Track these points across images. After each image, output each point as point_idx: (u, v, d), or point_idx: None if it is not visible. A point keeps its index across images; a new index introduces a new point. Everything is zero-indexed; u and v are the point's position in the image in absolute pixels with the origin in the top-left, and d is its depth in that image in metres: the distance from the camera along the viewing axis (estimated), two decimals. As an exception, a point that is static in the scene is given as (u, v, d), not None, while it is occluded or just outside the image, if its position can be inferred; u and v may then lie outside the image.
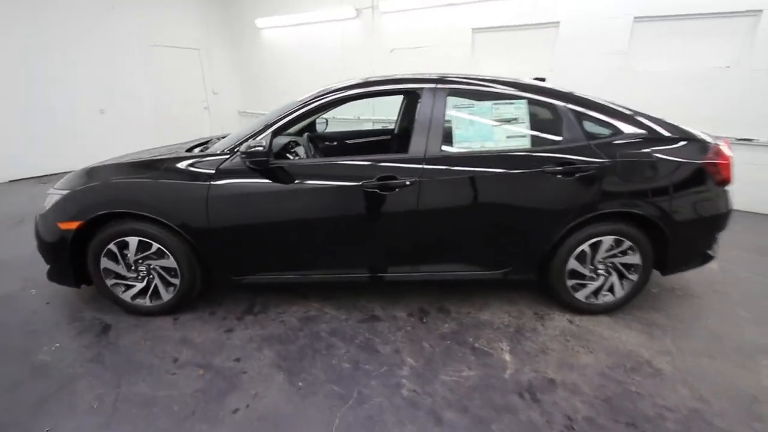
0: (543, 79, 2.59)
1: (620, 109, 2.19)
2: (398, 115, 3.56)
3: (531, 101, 2.12)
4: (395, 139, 3.48)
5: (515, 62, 5.37)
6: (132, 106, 6.75)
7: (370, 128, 4.37)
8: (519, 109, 2.09)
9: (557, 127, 2.11)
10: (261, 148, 1.88)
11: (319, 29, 6.83)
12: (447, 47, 5.71)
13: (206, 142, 2.65)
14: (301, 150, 2.64)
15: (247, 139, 2.07)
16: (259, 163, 1.96)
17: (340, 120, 5.96)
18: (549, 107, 2.13)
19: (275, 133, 2.09)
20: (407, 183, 2.01)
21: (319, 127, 3.55)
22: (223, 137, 2.50)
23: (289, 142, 2.63)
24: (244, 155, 1.93)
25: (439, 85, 2.11)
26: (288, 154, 2.56)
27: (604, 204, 2.07)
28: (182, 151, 2.33)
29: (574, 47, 4.89)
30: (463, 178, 2.03)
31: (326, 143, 3.55)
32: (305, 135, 2.45)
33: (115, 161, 2.35)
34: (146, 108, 6.95)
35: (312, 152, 2.65)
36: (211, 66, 7.83)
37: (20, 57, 5.45)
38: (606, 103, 2.19)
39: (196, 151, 2.39)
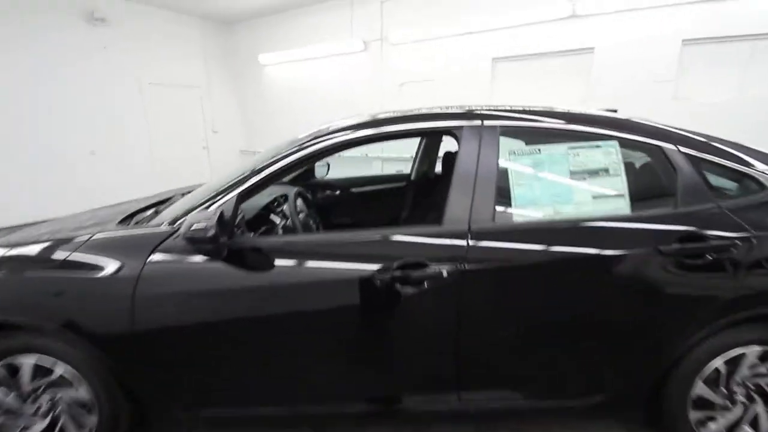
0: (614, 111, 1.90)
1: (756, 152, 1.47)
2: (415, 157, 2.90)
3: (624, 143, 1.41)
4: (412, 189, 2.80)
5: (542, 94, 4.77)
6: (126, 146, 6.28)
7: (380, 174, 3.65)
8: (609, 155, 1.39)
9: (668, 181, 1.39)
10: (209, 231, 1.17)
11: (325, 64, 6.41)
12: (464, 79, 5.17)
13: (165, 201, 1.99)
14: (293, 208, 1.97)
15: (192, 210, 1.38)
16: (209, 251, 1.25)
17: (344, 158, 5.38)
18: (652, 151, 1.42)
19: (243, 197, 1.40)
20: (443, 273, 1.28)
21: (319, 171, 2.90)
22: (188, 193, 1.84)
23: (274, 200, 1.96)
24: (185, 239, 1.23)
25: (487, 122, 1.43)
26: (274, 215, 1.88)
27: (751, 301, 1.32)
28: (114, 222, 1.64)
29: (612, 75, 4.28)
30: (530, 265, 1.31)
31: (327, 193, 2.88)
32: (294, 191, 1.76)
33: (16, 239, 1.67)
34: (141, 148, 6.48)
35: (304, 212, 1.96)
36: (211, 104, 7.43)
37: (6, 98, 5.04)
38: (733, 146, 1.48)
39: (149, 213, 1.72)
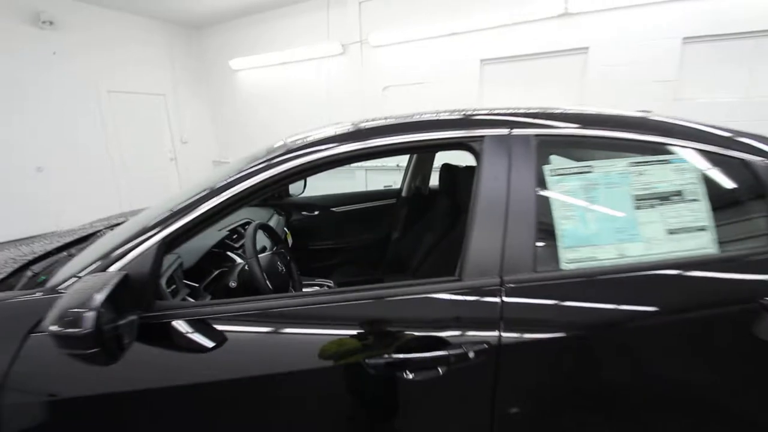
0: (648, 112, 1.55)
1: None
2: (406, 169, 2.50)
3: (699, 155, 1.04)
4: (404, 208, 2.40)
5: (534, 96, 4.47)
6: (81, 161, 5.67)
7: (365, 190, 3.17)
8: (683, 173, 1.01)
9: (755, 205, 1.03)
10: (85, 324, 0.68)
11: (301, 69, 5.98)
12: (450, 82, 4.83)
13: (86, 237, 1.51)
14: (262, 241, 1.52)
15: (85, 269, 0.92)
16: (86, 357, 0.78)
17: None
18: (731, 166, 1.06)
19: (173, 243, 0.96)
20: (468, 353, 0.87)
21: (295, 188, 2.47)
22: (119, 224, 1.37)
23: (232, 232, 1.51)
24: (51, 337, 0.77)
25: (518, 130, 1.03)
26: (231, 254, 1.43)
27: None
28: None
29: (608, 76, 4.01)
30: (589, 333, 0.91)
31: (303, 215, 2.45)
32: (254, 224, 1.31)
33: None
34: (99, 163, 5.87)
35: (270, 249, 1.51)
36: (178, 112, 6.87)
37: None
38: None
39: (61, 256, 1.26)
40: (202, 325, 0.91)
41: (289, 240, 2.26)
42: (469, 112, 1.10)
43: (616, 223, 0.98)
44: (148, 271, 0.88)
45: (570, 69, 4.25)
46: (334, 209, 2.46)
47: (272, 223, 2.14)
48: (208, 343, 0.89)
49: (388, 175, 4.89)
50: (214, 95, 7.17)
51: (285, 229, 2.24)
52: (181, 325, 0.90)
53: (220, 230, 1.53)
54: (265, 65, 6.30)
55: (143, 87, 6.34)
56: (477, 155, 1.02)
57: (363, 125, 1.10)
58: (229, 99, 7.01)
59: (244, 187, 0.98)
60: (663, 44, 3.76)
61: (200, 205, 0.96)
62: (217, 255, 1.43)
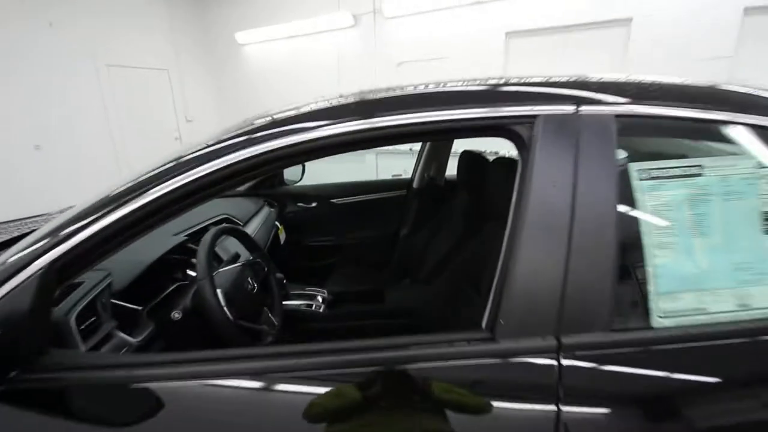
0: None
1: None
2: (420, 154, 2.16)
3: None
4: (415, 201, 2.06)
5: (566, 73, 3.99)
6: (81, 139, 5.44)
7: (371, 180, 2.76)
8: None
9: None
10: None
11: (310, 42, 5.58)
12: (472, 58, 4.37)
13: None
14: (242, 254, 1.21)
15: None
16: None
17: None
18: None
19: (67, 270, 0.65)
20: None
21: (290, 174, 2.15)
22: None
23: (194, 235, 1.21)
24: None
25: (588, 108, 0.67)
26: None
27: None
28: None
29: (653, 52, 3.52)
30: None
31: (299, 206, 2.14)
32: (211, 232, 0.97)
33: None
34: (100, 141, 5.65)
35: (242, 261, 1.19)
36: (182, 89, 6.57)
37: None
38: None
39: None
40: (109, 391, 0.62)
41: (282, 236, 1.96)
42: (512, 81, 0.74)
43: (740, 255, 0.63)
44: (26, 309, 0.59)
45: (609, 43, 3.76)
46: (334, 201, 2.14)
47: (261, 216, 1.84)
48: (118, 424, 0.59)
49: (401, 160, 4.52)
50: (219, 71, 6.83)
51: (277, 223, 1.94)
52: (76, 392, 0.61)
53: (187, 229, 1.24)
54: (271, 39, 5.92)
55: (145, 61, 6.03)
56: (523, 144, 0.68)
57: (364, 96, 0.76)
58: (235, 75, 6.67)
59: (177, 185, 0.66)
60: (719, 15, 3.24)
61: (111, 211, 0.65)
62: (179, 263, 1.13)
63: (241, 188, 1.95)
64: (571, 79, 0.73)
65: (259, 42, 6.11)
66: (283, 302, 1.43)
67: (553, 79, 0.73)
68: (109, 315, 0.84)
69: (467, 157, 1.67)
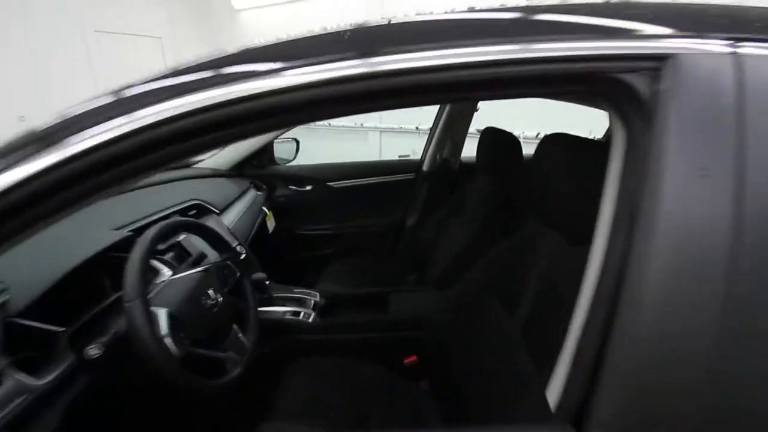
0: None
1: None
2: (431, 132, 1.86)
3: None
4: (426, 185, 1.79)
5: None
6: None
7: (374, 161, 2.38)
8: None
9: None
10: None
11: (312, 8, 5.17)
12: None
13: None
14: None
15: None
16: None
17: (324, 129, 4.30)
18: None
19: None
20: None
21: (282, 152, 1.87)
22: None
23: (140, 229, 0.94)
24: None
25: (758, 47, 0.38)
26: (156, 263, 0.86)
27: None
28: None
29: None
30: None
31: (291, 190, 1.86)
32: (155, 228, 0.71)
33: None
34: (87, 113, 5.34)
35: (204, 265, 0.91)
36: (177, 58, 6.18)
37: None
38: None
39: None
40: None
41: (270, 223, 1.70)
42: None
43: None
44: None
45: None
46: (331, 184, 1.86)
47: (245, 201, 1.57)
48: None
49: (409, 139, 4.19)
50: (215, 39, 6.43)
51: (264, 208, 1.67)
52: None
53: (136, 221, 0.97)
54: (270, 3, 5.51)
55: (136, 28, 5.65)
56: (636, 107, 0.40)
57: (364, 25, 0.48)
58: (232, 43, 6.26)
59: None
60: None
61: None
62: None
63: (224, 168, 1.68)
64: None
65: (256, 7, 5.70)
66: (265, 308, 1.18)
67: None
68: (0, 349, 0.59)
69: (491, 135, 1.38)
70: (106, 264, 0.81)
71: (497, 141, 1.34)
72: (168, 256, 0.98)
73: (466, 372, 0.92)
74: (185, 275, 0.81)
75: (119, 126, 0.39)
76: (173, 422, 0.97)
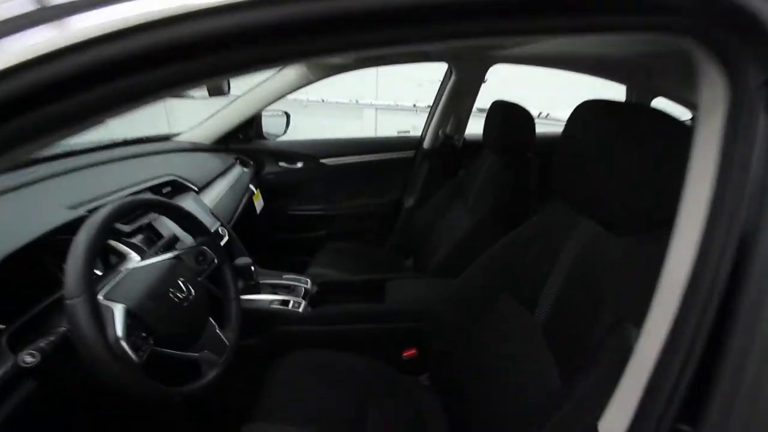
0: None
1: None
2: (434, 107, 1.73)
3: None
4: (426, 163, 1.68)
5: None
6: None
7: (372, 137, 2.12)
8: None
9: None
10: None
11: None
12: None
13: None
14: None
15: None
16: None
17: (314, 105, 4.09)
18: None
19: None
20: None
21: (271, 126, 1.72)
22: None
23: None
24: None
25: None
26: (116, 245, 0.74)
27: None
28: None
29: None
30: None
31: (281, 167, 1.73)
32: (108, 209, 0.59)
33: None
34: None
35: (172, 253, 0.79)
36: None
37: None
38: None
39: None
40: None
41: (257, 202, 1.57)
42: None
43: None
44: None
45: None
46: (324, 161, 1.72)
47: (230, 178, 1.44)
48: None
49: (404, 117, 4.03)
50: None
51: (251, 186, 1.54)
52: None
53: (95, 199, 0.83)
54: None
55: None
56: (746, 52, 0.28)
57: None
58: None
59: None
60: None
61: None
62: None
63: (207, 142, 1.53)
64: None
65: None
66: (251, 297, 1.07)
67: None
68: None
69: (502, 110, 1.25)
70: (57, 249, 0.68)
71: (509, 116, 1.22)
72: (137, 239, 0.86)
73: (472, 371, 0.83)
74: (149, 263, 0.68)
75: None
76: (142, 427, 0.87)
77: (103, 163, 1.13)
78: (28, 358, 0.49)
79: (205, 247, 0.81)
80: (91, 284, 0.52)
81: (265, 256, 1.49)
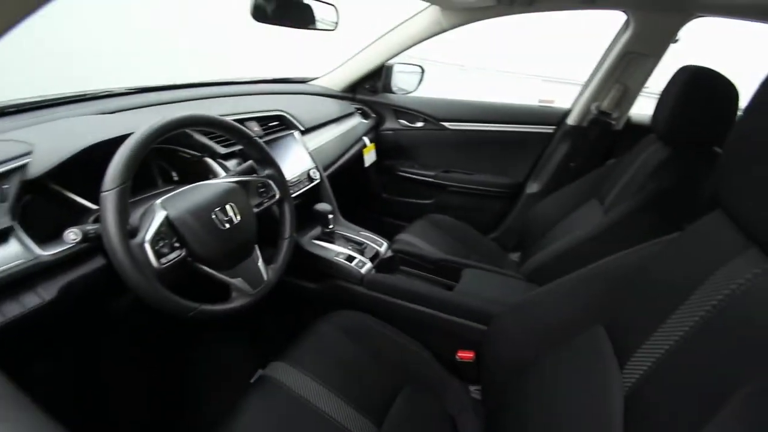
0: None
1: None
2: (591, 77, 1.37)
3: None
4: (567, 143, 1.37)
5: None
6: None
7: (506, 104, 1.80)
8: None
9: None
10: None
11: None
12: None
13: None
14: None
15: None
16: None
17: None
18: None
19: None
20: None
21: (401, 81, 1.64)
22: None
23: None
24: None
25: None
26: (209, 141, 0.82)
27: None
28: None
29: None
30: None
31: (400, 124, 1.65)
32: (158, 122, 0.60)
33: None
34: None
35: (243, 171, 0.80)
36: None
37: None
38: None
39: None
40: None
41: (368, 156, 1.55)
42: None
43: None
44: None
45: None
46: (446, 124, 1.56)
47: (344, 126, 1.43)
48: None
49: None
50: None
51: (365, 138, 1.51)
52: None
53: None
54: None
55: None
56: None
57: None
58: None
59: None
60: None
61: None
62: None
63: (336, 89, 1.55)
64: None
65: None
66: (321, 243, 1.06)
67: None
68: (9, 208, 0.58)
69: (695, 81, 0.87)
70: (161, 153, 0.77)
71: (707, 90, 0.84)
72: (230, 163, 0.92)
73: (529, 406, 0.64)
74: (211, 183, 0.71)
75: None
76: (173, 339, 0.97)
77: (239, 95, 1.24)
78: (71, 236, 0.55)
79: (271, 181, 0.80)
80: (127, 182, 0.54)
81: (359, 211, 1.48)
